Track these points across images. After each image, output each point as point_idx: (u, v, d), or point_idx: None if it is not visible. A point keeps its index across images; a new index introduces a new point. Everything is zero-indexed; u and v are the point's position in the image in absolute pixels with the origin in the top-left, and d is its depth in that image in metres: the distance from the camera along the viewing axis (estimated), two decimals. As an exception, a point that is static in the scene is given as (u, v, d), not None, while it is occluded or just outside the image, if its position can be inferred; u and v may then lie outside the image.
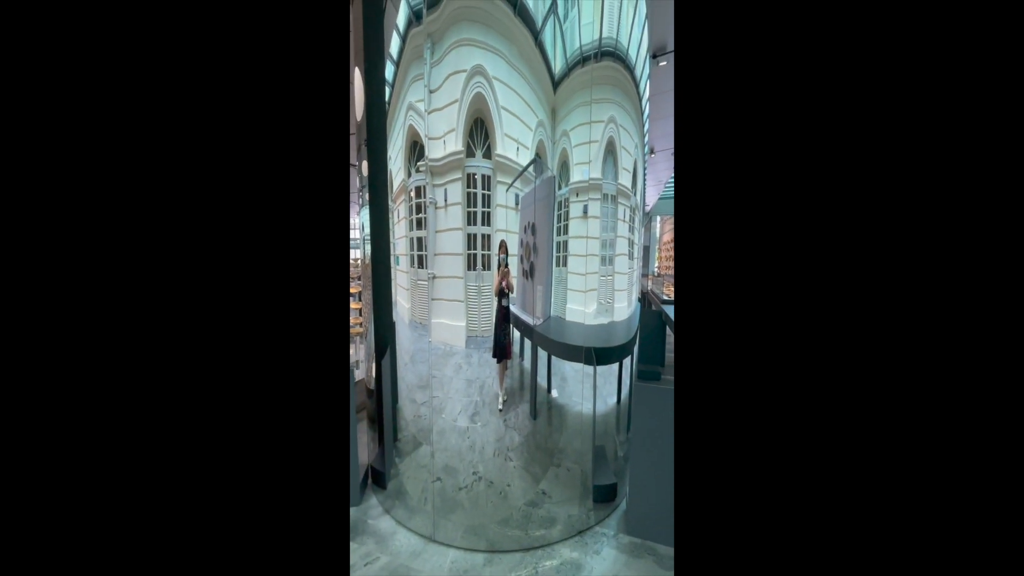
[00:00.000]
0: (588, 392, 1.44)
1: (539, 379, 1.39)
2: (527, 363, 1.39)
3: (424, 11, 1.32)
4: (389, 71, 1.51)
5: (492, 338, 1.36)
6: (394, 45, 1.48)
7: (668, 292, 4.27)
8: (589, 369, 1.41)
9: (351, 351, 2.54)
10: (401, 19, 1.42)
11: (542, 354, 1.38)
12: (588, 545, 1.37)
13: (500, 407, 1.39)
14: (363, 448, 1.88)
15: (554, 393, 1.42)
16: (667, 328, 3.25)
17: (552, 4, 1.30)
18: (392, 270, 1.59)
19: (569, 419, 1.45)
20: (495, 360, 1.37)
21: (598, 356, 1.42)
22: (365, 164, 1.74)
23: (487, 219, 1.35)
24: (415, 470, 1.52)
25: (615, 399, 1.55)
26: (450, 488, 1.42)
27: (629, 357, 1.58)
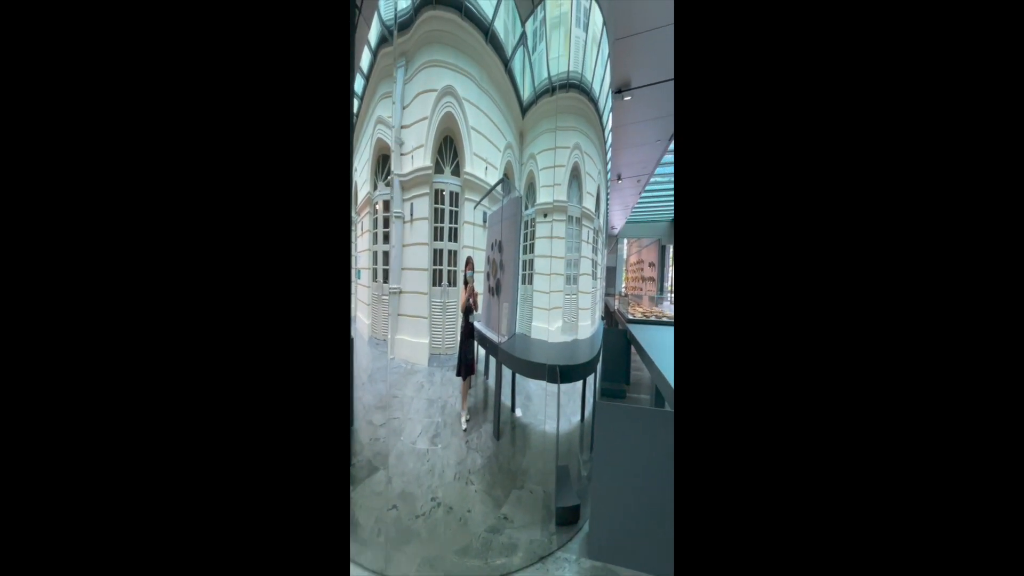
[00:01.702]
0: (552, 411, 1.44)
1: (503, 398, 1.37)
2: (491, 381, 1.37)
3: (395, 32, 1.34)
4: (359, 84, 1.50)
5: (456, 355, 1.33)
6: (365, 59, 1.48)
7: (633, 312, 4.44)
8: (553, 387, 1.42)
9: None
10: (373, 35, 1.43)
11: (507, 372, 1.37)
12: (550, 572, 1.33)
13: (464, 427, 1.35)
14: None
15: (518, 412, 1.40)
16: (631, 347, 3.36)
17: (522, 36, 1.37)
18: (352, 284, 1.53)
19: (533, 439, 1.43)
20: (459, 378, 1.34)
21: (562, 374, 1.43)
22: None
23: (454, 235, 1.35)
24: (369, 498, 1.41)
25: (579, 418, 1.57)
26: (406, 516, 1.34)
27: (593, 375, 1.61)
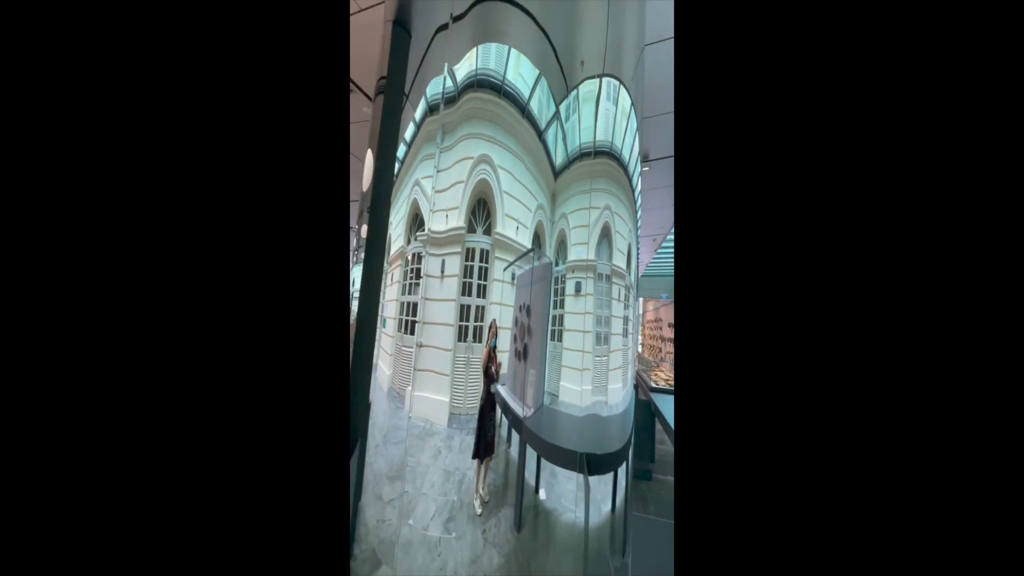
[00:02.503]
0: (580, 497, 1.23)
1: (526, 476, 1.19)
2: (514, 452, 1.21)
3: (441, 106, 1.48)
4: (401, 150, 1.64)
5: (475, 429, 1.20)
6: (409, 131, 1.63)
7: (656, 379, 4.11)
8: (577, 477, 1.23)
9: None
10: (419, 113, 1.59)
11: (531, 452, 1.21)
12: None
13: (479, 511, 1.16)
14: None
15: (542, 494, 1.20)
16: (655, 420, 3.03)
17: (556, 111, 1.48)
18: (377, 331, 1.50)
19: (558, 531, 1.20)
20: (475, 460, 1.19)
21: (591, 464, 1.25)
22: (365, 228, 1.79)
23: (482, 291, 1.32)
24: (365, 601, 1.19)
25: (610, 506, 1.32)
26: (406, 630, 1.09)
27: (624, 463, 1.40)
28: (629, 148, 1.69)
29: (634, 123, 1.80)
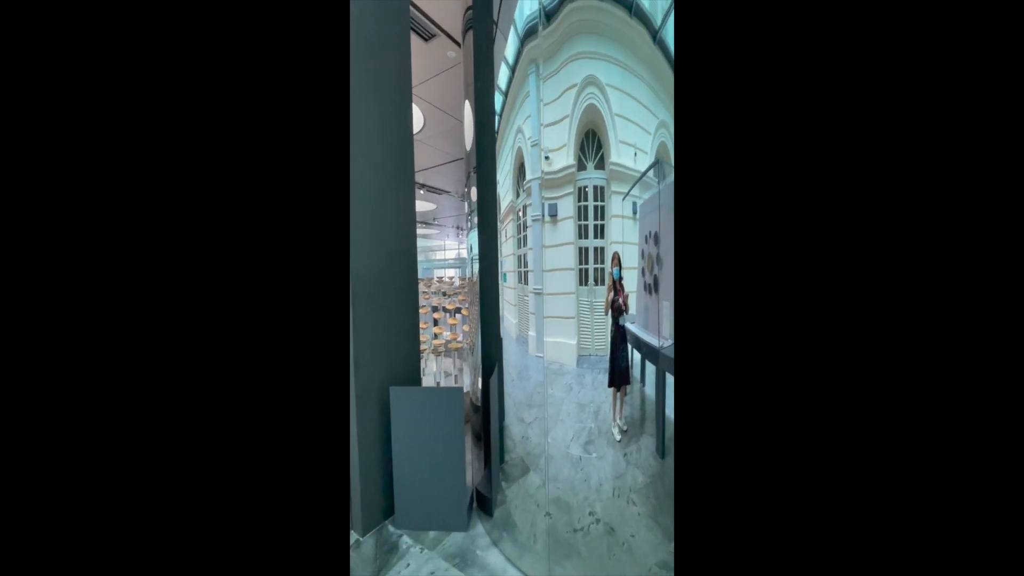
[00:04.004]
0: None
1: (666, 410, 1.19)
2: (650, 389, 1.21)
3: (540, 26, 1.36)
4: (498, 101, 1.59)
5: (608, 361, 1.22)
6: (503, 76, 1.55)
7: None
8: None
9: (448, 364, 2.64)
10: (510, 50, 1.49)
11: (670, 380, 1.18)
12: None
13: (618, 438, 1.22)
14: (468, 468, 1.86)
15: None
16: None
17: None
18: (500, 287, 1.60)
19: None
20: (611, 388, 1.22)
21: None
22: (474, 190, 1.85)
23: (600, 232, 1.26)
24: (523, 499, 1.41)
25: None
26: (563, 527, 1.27)
27: None
28: None
29: None
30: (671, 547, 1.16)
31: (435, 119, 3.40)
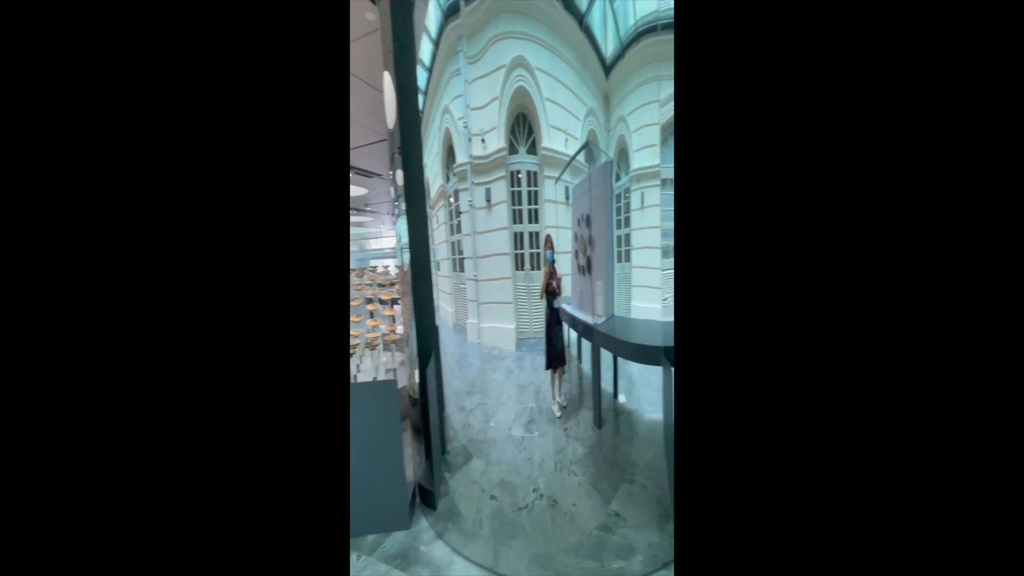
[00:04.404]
0: (659, 396, 1.29)
1: (602, 384, 1.26)
2: (586, 366, 1.27)
3: (462, 4, 1.29)
4: (422, 78, 1.49)
5: (544, 345, 1.25)
6: (425, 50, 1.46)
7: None
8: (658, 371, 1.27)
9: (386, 358, 2.49)
10: (431, 21, 1.40)
11: (605, 356, 1.26)
12: (672, 576, 1.19)
13: (558, 415, 1.27)
14: (408, 464, 1.78)
15: (622, 398, 1.28)
16: None
17: (598, -15, 1.24)
18: (433, 275, 1.54)
19: (640, 428, 1.30)
20: (549, 371, 1.26)
21: (671, 355, 1.28)
22: (400, 173, 1.72)
23: (534, 216, 1.27)
24: (467, 487, 1.40)
25: None
26: (508, 508, 1.29)
27: None
28: None
29: None
30: (608, 509, 1.26)
31: (358, 91, 3.06)
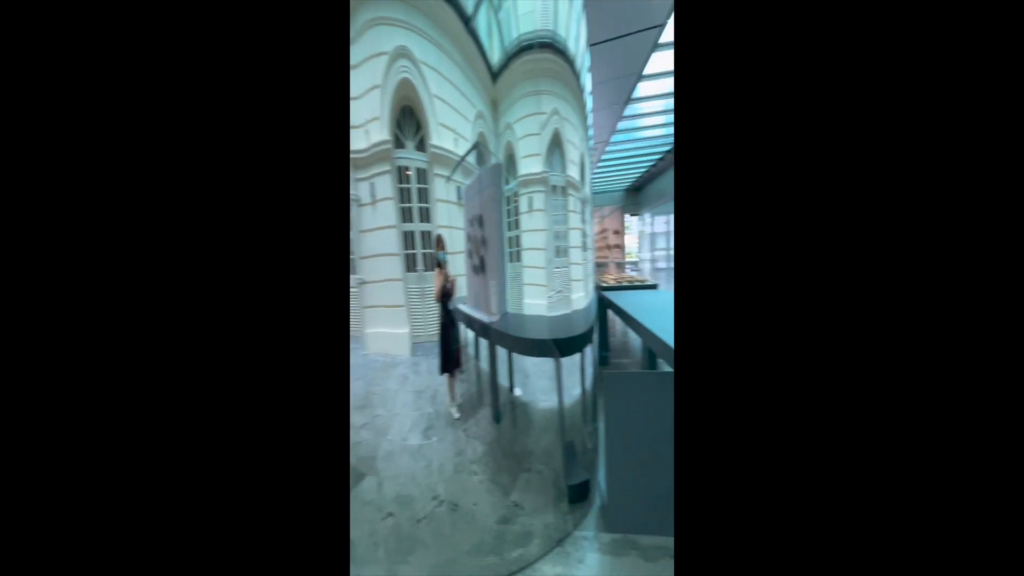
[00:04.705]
0: (552, 386, 1.38)
1: (499, 380, 1.29)
2: (484, 364, 1.28)
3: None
4: None
5: (439, 349, 1.22)
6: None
7: (606, 279, 4.66)
8: (551, 363, 1.36)
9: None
10: None
11: (501, 353, 1.29)
12: (571, 555, 1.29)
13: (456, 416, 1.25)
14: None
15: (517, 391, 1.33)
16: (607, 313, 3.42)
17: (482, -9, 1.26)
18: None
19: (536, 417, 1.37)
20: (446, 375, 1.23)
21: (562, 347, 1.38)
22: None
23: (425, 215, 1.23)
24: (359, 509, 1.28)
25: (580, 390, 1.52)
26: (406, 522, 1.22)
27: (589, 345, 1.58)
28: (575, 38, 1.55)
29: (579, 4, 1.62)
30: (509, 500, 1.29)
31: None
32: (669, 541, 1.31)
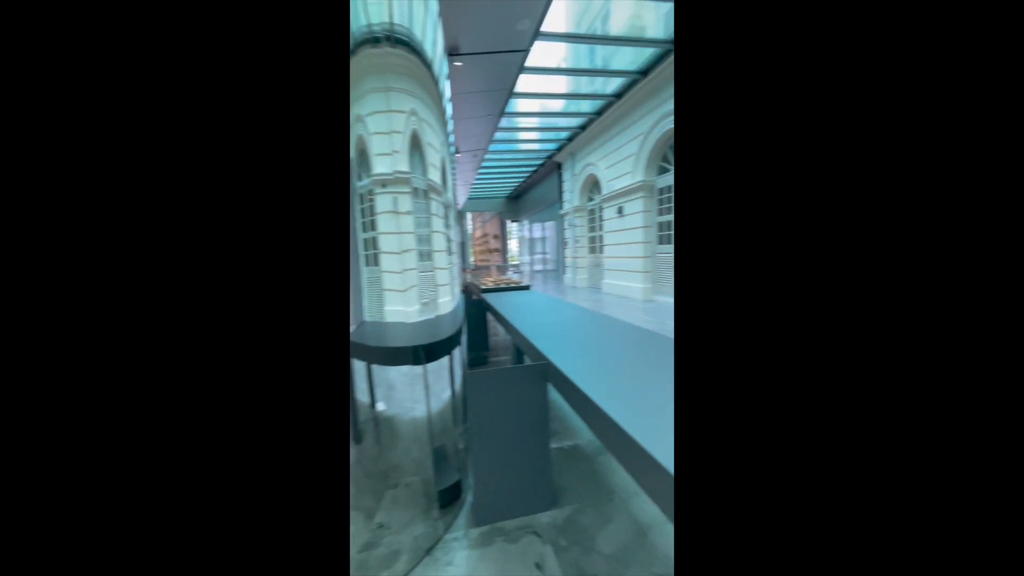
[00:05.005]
0: (420, 394, 1.35)
1: (359, 395, 1.19)
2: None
3: None
4: None
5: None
6: None
7: (486, 282, 4.76)
8: (418, 370, 1.32)
9: None
10: None
11: (360, 365, 1.19)
12: (439, 560, 1.28)
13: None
14: None
15: (380, 406, 1.25)
16: (486, 315, 3.51)
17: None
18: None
19: (402, 429, 1.31)
20: None
21: (428, 353, 1.35)
22: None
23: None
24: None
25: (449, 393, 1.52)
26: None
27: (458, 348, 1.59)
28: (432, 42, 1.52)
29: (435, 8, 1.60)
30: (373, 524, 1.20)
31: None
32: (530, 519, 1.44)
